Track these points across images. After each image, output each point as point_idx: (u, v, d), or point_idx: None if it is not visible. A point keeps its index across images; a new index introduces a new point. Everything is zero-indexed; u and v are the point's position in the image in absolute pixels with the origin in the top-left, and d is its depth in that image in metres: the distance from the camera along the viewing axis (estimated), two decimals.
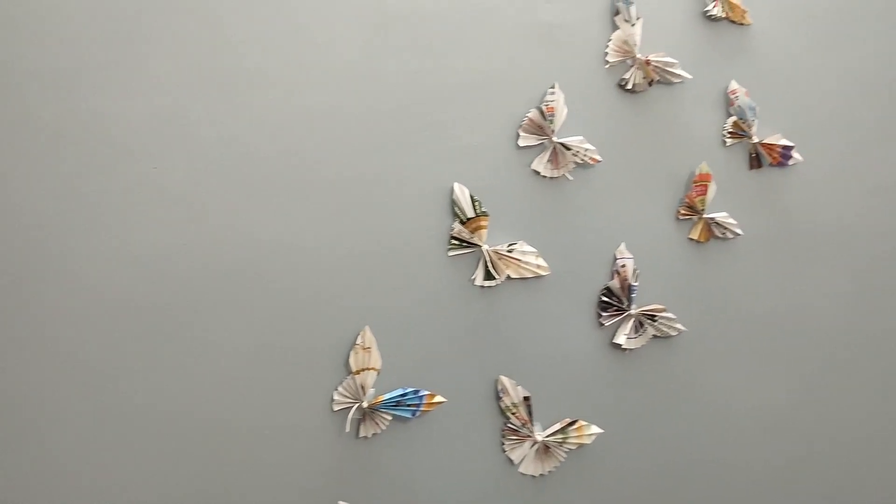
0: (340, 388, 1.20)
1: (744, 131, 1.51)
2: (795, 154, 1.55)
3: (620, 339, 1.38)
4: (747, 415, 1.48)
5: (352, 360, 1.19)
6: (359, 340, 1.20)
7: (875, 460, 1.57)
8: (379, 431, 1.22)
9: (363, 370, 1.20)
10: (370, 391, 1.21)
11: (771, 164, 1.54)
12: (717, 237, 1.48)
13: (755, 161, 1.53)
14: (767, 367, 1.50)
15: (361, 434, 1.21)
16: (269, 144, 1.19)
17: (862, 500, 1.56)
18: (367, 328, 1.21)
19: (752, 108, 1.52)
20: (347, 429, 1.19)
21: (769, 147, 1.53)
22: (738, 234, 1.49)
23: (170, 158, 1.14)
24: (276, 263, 1.18)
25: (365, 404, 1.20)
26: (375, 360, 1.20)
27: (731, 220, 1.48)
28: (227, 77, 1.17)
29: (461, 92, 1.30)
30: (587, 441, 1.34)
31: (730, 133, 1.51)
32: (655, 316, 1.41)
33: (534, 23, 1.37)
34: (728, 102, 1.51)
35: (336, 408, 1.20)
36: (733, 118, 1.51)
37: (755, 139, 1.52)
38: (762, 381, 1.50)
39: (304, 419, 1.19)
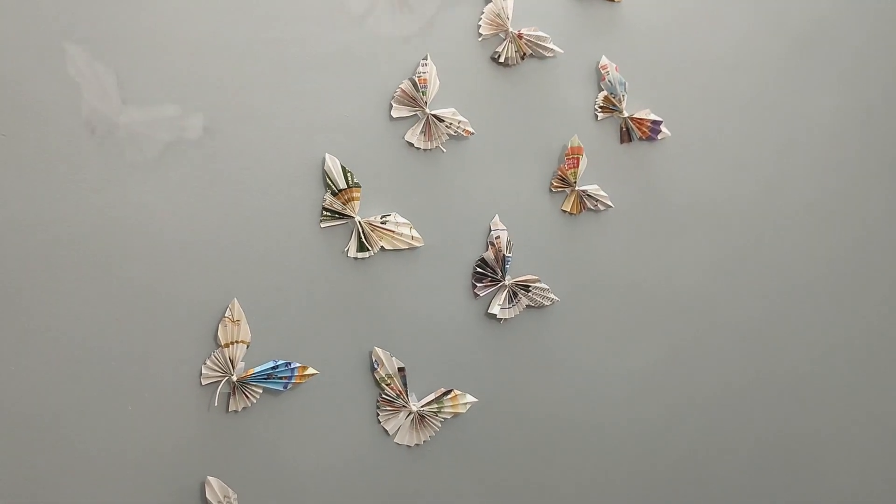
0: (209, 362, 1.18)
1: (614, 106, 1.56)
2: (664, 129, 1.61)
3: (495, 309, 1.41)
4: (616, 380, 1.55)
5: (220, 333, 1.18)
6: (227, 313, 1.19)
7: (733, 418, 1.66)
8: (249, 405, 1.21)
9: (232, 343, 1.18)
10: (240, 364, 1.20)
11: (640, 139, 1.59)
12: (590, 209, 1.53)
13: (626, 135, 1.58)
14: (635, 335, 1.57)
15: (231, 408, 1.20)
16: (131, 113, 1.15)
17: (720, 457, 1.65)
18: (235, 300, 1.20)
19: (623, 83, 1.56)
20: (215, 403, 1.18)
21: (639, 122, 1.58)
22: (610, 207, 1.54)
23: (20, 124, 1.08)
24: (141, 235, 1.15)
25: (234, 378, 1.18)
26: (245, 333, 1.19)
27: (602, 193, 1.52)
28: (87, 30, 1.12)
29: (332, 62, 1.30)
30: (462, 410, 1.37)
31: (601, 107, 1.55)
32: (529, 286, 1.44)
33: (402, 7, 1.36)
34: (599, 77, 1.55)
35: (204, 382, 1.18)
36: (604, 93, 1.55)
37: (625, 114, 1.57)
38: (630, 348, 1.56)
39: (171, 394, 1.16)
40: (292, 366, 1.23)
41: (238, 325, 1.19)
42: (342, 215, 1.29)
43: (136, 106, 1.15)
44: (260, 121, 1.25)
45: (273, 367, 1.21)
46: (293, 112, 1.27)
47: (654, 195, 1.61)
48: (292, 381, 1.23)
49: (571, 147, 1.51)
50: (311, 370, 1.25)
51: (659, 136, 1.62)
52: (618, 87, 1.57)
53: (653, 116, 1.61)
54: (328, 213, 1.29)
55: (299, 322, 1.26)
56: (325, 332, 1.28)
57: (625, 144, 1.60)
